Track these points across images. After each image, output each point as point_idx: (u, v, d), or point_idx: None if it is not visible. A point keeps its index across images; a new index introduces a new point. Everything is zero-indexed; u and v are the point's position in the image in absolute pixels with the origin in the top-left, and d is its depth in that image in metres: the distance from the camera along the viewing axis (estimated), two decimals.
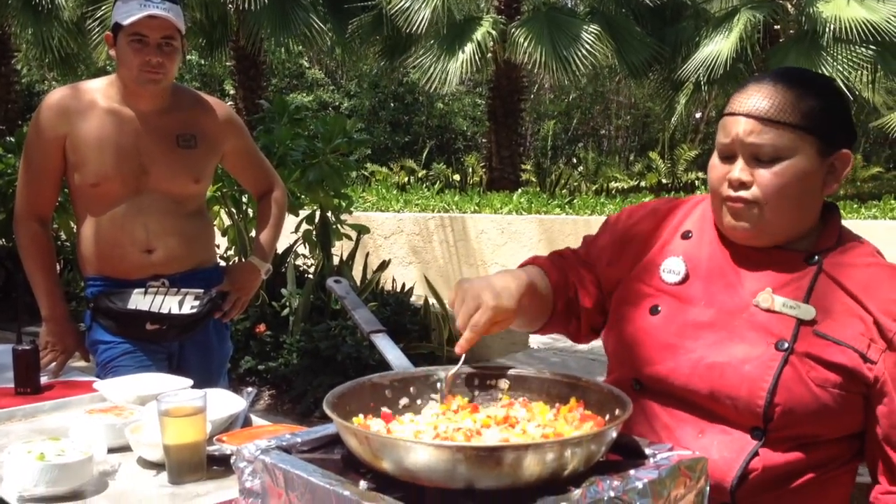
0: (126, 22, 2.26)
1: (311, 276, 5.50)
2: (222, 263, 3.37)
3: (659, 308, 1.45)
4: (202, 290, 2.47)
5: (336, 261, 5.59)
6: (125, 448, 1.65)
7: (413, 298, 5.82)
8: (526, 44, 10.72)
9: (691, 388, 1.38)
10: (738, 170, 1.37)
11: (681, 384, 1.39)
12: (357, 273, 5.90)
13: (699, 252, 1.47)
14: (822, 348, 1.33)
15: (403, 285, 6.02)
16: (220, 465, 1.56)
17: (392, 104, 21.37)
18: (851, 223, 8.75)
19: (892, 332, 1.32)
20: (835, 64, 10.42)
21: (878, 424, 1.34)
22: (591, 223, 8.16)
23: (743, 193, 1.37)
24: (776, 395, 1.31)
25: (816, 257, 1.39)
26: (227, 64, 13.72)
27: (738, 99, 1.39)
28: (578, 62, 10.64)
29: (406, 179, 16.31)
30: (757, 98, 1.36)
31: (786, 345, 1.33)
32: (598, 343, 1.66)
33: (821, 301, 1.35)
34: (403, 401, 1.34)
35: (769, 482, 1.35)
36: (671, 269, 1.47)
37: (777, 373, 1.32)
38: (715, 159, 1.43)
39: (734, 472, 1.34)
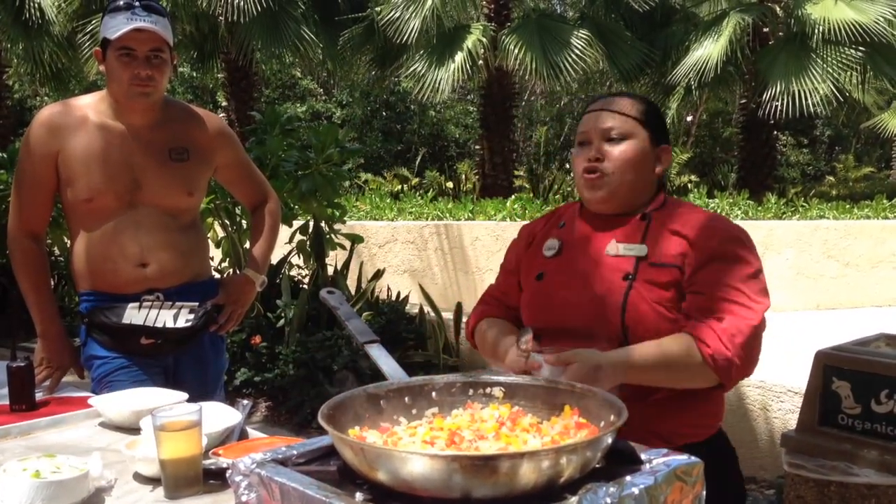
0: (114, 36, 2.26)
1: (305, 286, 5.50)
2: (217, 276, 3.36)
3: (542, 275, 1.88)
4: (197, 304, 2.46)
5: (330, 270, 5.59)
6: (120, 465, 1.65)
7: (408, 307, 5.82)
8: (517, 50, 10.74)
9: (570, 327, 1.75)
10: (595, 148, 1.82)
11: (563, 325, 1.76)
12: (352, 282, 5.90)
13: (569, 232, 1.91)
14: (655, 273, 1.74)
15: (398, 294, 6.02)
16: (216, 479, 1.56)
17: (384, 113, 21.40)
18: (844, 223, 8.80)
19: (700, 242, 1.74)
20: (824, 66, 10.45)
21: (685, 302, 1.72)
22: None
23: (598, 165, 1.81)
24: (626, 314, 1.71)
25: (648, 215, 1.83)
26: (219, 76, 13.70)
27: (594, 104, 1.90)
28: (569, 68, 10.66)
29: (399, 188, 16.31)
30: (607, 101, 1.87)
31: (629, 276, 1.74)
32: None
33: (651, 241, 1.78)
34: (433, 410, 1.36)
35: (632, 394, 1.60)
36: (549, 247, 1.91)
37: (624, 296, 1.72)
38: (575, 150, 1.88)
39: None
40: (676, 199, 1.91)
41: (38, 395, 2.20)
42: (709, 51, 10.97)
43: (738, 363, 1.65)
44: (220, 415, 1.88)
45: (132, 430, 1.90)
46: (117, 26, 2.25)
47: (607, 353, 1.64)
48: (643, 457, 1.19)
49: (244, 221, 5.24)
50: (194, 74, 18.02)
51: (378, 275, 5.83)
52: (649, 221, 1.81)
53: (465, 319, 5.84)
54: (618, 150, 1.80)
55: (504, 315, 1.99)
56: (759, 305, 1.70)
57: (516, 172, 14.81)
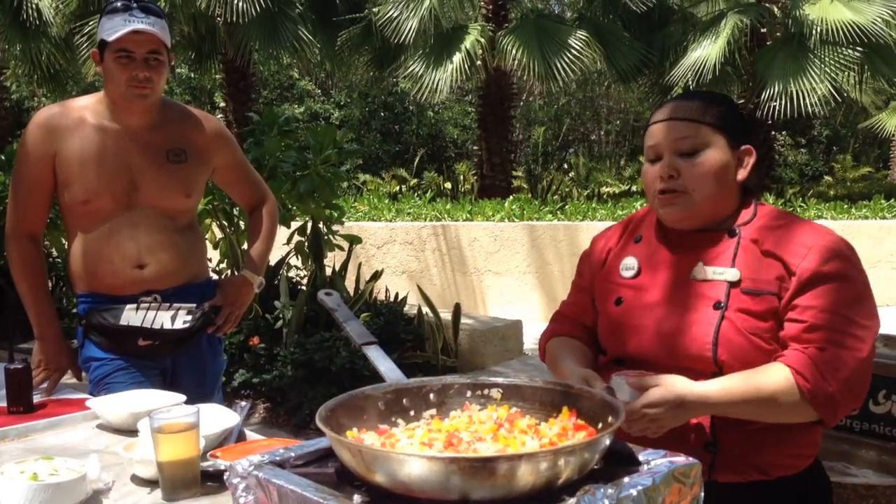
0: (111, 38, 2.26)
1: (303, 287, 5.49)
2: (215, 277, 3.36)
3: (622, 299, 1.72)
4: (195, 305, 2.46)
5: (328, 271, 5.59)
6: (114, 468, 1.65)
7: (406, 308, 5.82)
8: (515, 51, 10.75)
9: (654, 358, 1.63)
10: (667, 164, 1.65)
11: (647, 355, 1.64)
12: (350, 283, 5.89)
13: (648, 250, 1.75)
14: (749, 302, 1.58)
15: (397, 295, 6.02)
16: (214, 481, 1.56)
17: (382, 114, 21.40)
18: (842, 223, 8.80)
19: (796, 264, 1.56)
20: (822, 66, 10.46)
21: (783, 331, 1.56)
22: (583, 229, 8.17)
23: (672, 185, 1.64)
24: (719, 347, 1.56)
25: (736, 230, 1.65)
26: (217, 76, 13.72)
27: (660, 112, 1.70)
28: (567, 68, 10.67)
29: (397, 188, 16.32)
30: (675, 107, 1.68)
31: (721, 304, 1.58)
32: None
33: (742, 263, 1.61)
34: (431, 412, 1.35)
35: (728, 425, 1.57)
36: (627, 266, 1.75)
37: (717, 328, 1.57)
38: (645, 166, 1.71)
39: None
40: (765, 206, 1.72)
41: (36, 398, 2.19)
42: (707, 51, 10.98)
43: (840, 400, 1.49)
44: (217, 416, 1.88)
45: (130, 432, 1.90)
46: (115, 28, 2.25)
47: (693, 384, 1.51)
48: (641, 458, 1.19)
49: (242, 223, 5.24)
50: (192, 75, 18.02)
51: (376, 276, 5.83)
52: (739, 239, 1.64)
53: (462, 320, 5.86)
54: (694, 165, 1.62)
55: (579, 334, 1.84)
56: (868, 332, 1.53)
57: (514, 173, 14.82)
